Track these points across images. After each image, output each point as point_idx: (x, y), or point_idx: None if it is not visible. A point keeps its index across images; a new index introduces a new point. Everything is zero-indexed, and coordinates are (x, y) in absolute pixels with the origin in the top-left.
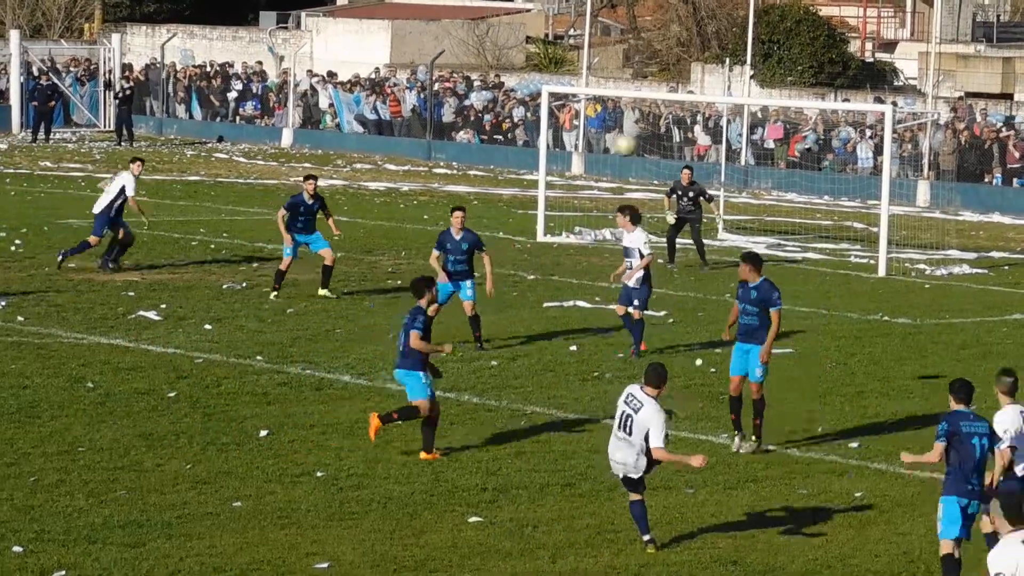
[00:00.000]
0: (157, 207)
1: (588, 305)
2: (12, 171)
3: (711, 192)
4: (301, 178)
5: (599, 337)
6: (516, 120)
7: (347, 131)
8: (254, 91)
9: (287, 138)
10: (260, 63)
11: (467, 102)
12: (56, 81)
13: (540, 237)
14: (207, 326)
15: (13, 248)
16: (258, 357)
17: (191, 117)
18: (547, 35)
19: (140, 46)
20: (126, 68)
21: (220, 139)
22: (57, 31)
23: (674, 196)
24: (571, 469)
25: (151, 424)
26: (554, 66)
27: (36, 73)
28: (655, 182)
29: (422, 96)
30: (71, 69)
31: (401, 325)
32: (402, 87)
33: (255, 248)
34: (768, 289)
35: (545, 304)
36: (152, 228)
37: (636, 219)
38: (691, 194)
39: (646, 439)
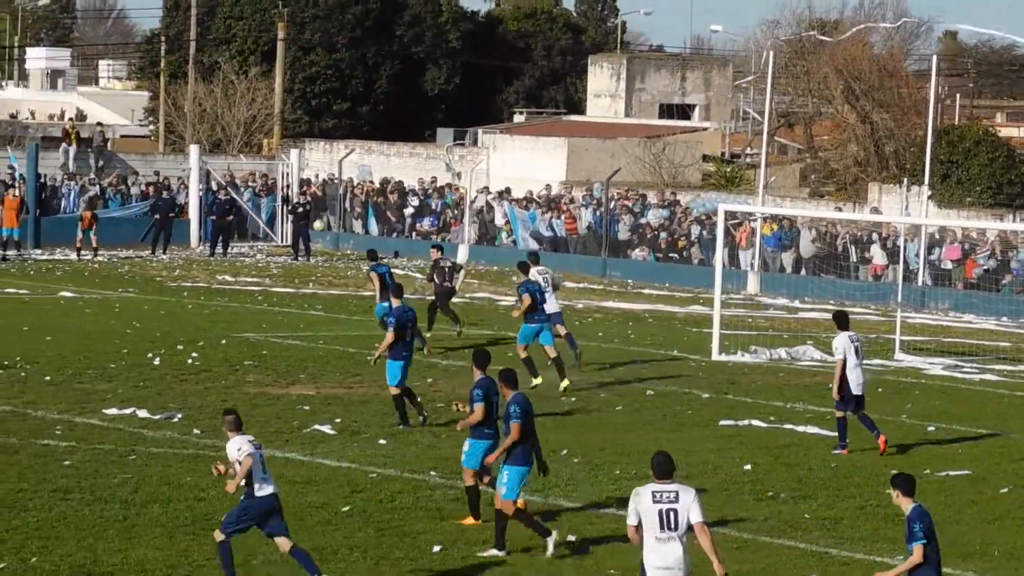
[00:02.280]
0: (333, 322)
1: (763, 425)
2: (190, 284)
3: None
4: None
5: (773, 457)
6: (692, 238)
7: (522, 247)
8: (431, 207)
9: (463, 254)
10: (436, 179)
11: (643, 220)
12: (234, 195)
13: (715, 356)
14: (381, 440)
15: (190, 361)
16: (432, 472)
17: (367, 232)
18: (723, 153)
19: (318, 161)
20: (304, 183)
21: (396, 254)
22: (236, 146)
23: None
24: None
25: (325, 538)
26: (730, 184)
27: (215, 187)
28: (831, 301)
29: (598, 213)
30: (249, 184)
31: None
32: (578, 204)
33: (430, 364)
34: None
35: (720, 422)
36: (327, 343)
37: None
38: None
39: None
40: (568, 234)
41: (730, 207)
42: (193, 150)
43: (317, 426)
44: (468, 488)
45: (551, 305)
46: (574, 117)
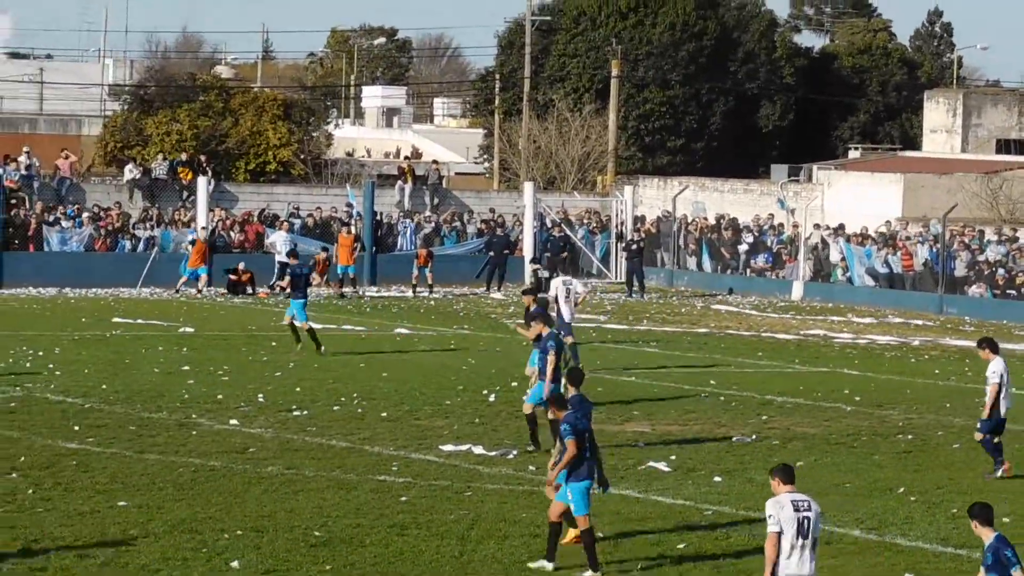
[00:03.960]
0: (667, 359)
1: None
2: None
3: None
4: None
5: None
6: None
7: (858, 284)
8: (766, 244)
9: (797, 291)
10: (771, 216)
11: (980, 256)
12: (568, 233)
13: None
14: (716, 478)
15: (525, 398)
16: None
17: (701, 269)
18: None
19: (652, 198)
20: (638, 220)
21: (730, 291)
22: (570, 183)
23: None
24: None
25: (659, 573)
26: None
27: (549, 224)
28: None
29: (934, 250)
30: (584, 221)
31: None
32: (914, 240)
33: (764, 401)
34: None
35: None
36: (661, 379)
37: None
38: None
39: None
40: (904, 271)
41: None
42: (527, 187)
43: (651, 463)
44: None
45: (566, 314)
46: (909, 153)
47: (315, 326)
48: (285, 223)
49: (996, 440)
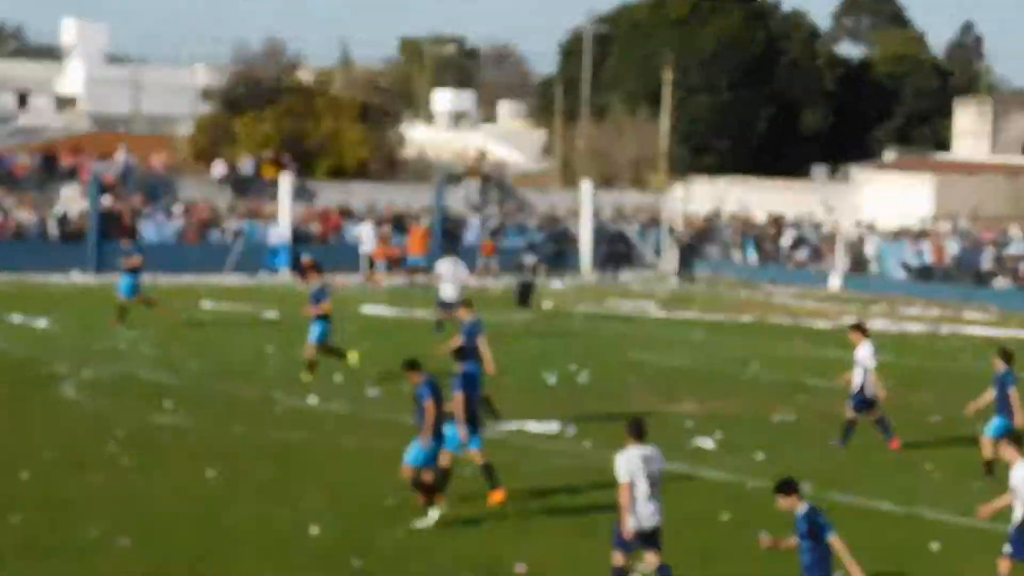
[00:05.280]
0: (714, 344)
1: None
2: (582, 309)
3: None
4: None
5: None
6: None
7: (891, 276)
8: (807, 239)
9: (835, 282)
10: (812, 212)
11: (1005, 251)
12: (622, 228)
13: None
14: (759, 455)
15: (580, 380)
16: (804, 483)
17: (746, 261)
18: None
19: (701, 195)
20: (688, 216)
21: (773, 282)
22: (626, 182)
23: None
24: None
25: (706, 543)
26: None
27: (604, 221)
28: None
29: (963, 245)
30: (637, 217)
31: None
32: (944, 236)
33: (799, 384)
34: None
35: None
36: (708, 363)
37: None
38: None
39: None
40: (935, 264)
41: None
42: (585, 185)
43: (699, 440)
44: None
45: (450, 293)
46: (941, 155)
47: (386, 312)
48: (370, 217)
49: (879, 416)
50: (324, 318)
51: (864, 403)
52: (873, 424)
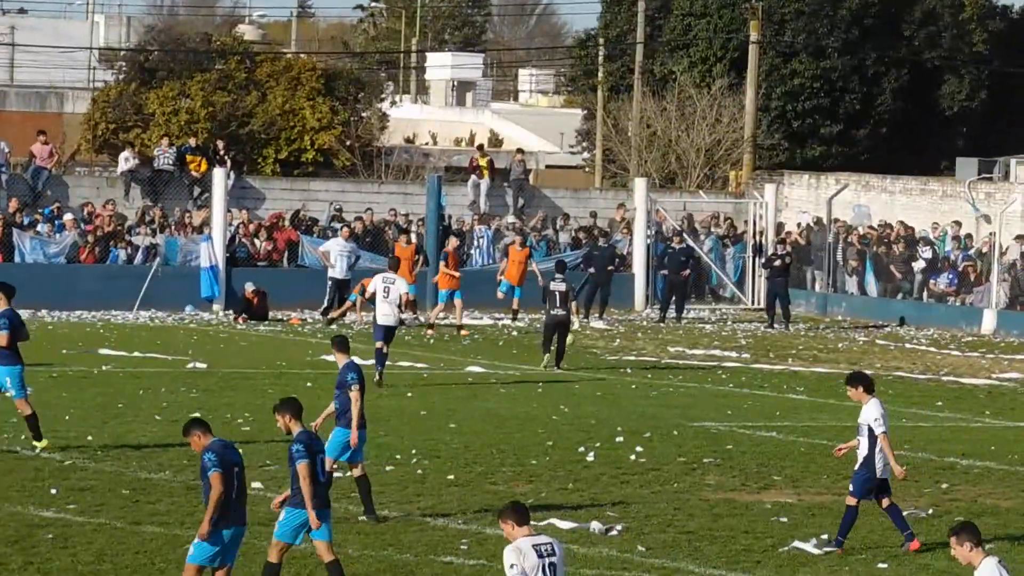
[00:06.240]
0: (818, 408)
1: None
2: (634, 357)
3: None
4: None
5: None
6: None
7: None
8: (950, 260)
9: (989, 322)
10: (959, 224)
11: None
12: (692, 244)
13: None
14: (881, 564)
15: (633, 457)
16: None
17: (864, 293)
18: None
19: (800, 200)
20: (782, 228)
21: (902, 321)
22: (695, 180)
23: None
24: None
25: None
26: None
27: (667, 233)
28: None
29: None
30: (712, 229)
31: None
32: None
33: (944, 464)
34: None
35: None
36: (811, 436)
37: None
38: None
39: None
40: None
41: None
42: (639, 185)
43: (797, 543)
44: None
45: (387, 316)
46: None
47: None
48: (345, 229)
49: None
50: None
51: (869, 483)
52: (883, 513)
